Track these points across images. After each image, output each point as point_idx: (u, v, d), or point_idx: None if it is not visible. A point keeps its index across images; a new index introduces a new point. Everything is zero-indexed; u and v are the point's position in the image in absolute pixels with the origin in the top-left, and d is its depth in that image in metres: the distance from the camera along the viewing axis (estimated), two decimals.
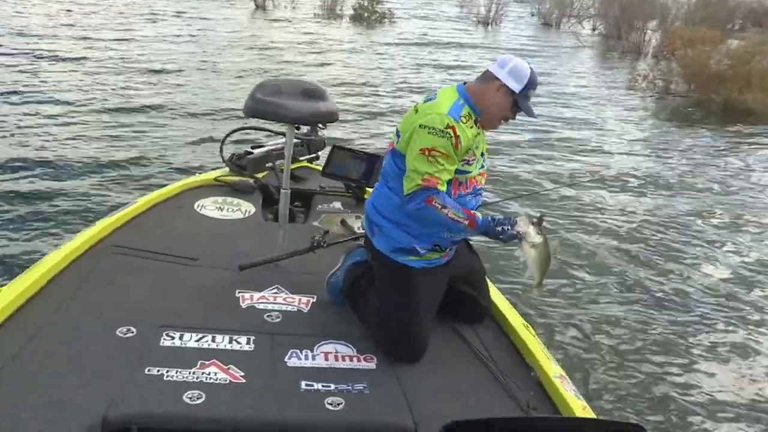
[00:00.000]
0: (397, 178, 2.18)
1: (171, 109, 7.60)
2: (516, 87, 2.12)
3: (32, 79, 8.21)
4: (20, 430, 1.59)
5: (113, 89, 8.01)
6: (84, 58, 9.57)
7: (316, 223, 3.24)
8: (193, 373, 1.89)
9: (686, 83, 11.62)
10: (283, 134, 3.42)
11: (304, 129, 3.98)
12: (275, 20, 17.16)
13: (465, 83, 2.22)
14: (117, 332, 2.05)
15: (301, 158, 3.91)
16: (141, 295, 2.32)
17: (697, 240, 5.22)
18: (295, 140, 3.65)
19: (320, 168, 3.58)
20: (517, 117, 2.22)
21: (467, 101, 2.15)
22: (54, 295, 2.24)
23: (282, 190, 2.72)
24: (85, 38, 11.12)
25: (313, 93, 2.68)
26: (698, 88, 11.26)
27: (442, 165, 2.06)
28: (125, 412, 1.67)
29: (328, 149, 3.61)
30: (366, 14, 19.67)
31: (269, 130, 3.91)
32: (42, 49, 9.80)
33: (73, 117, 6.80)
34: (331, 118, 2.87)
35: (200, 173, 3.84)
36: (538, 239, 2.09)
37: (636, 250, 4.87)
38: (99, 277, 2.41)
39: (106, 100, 7.53)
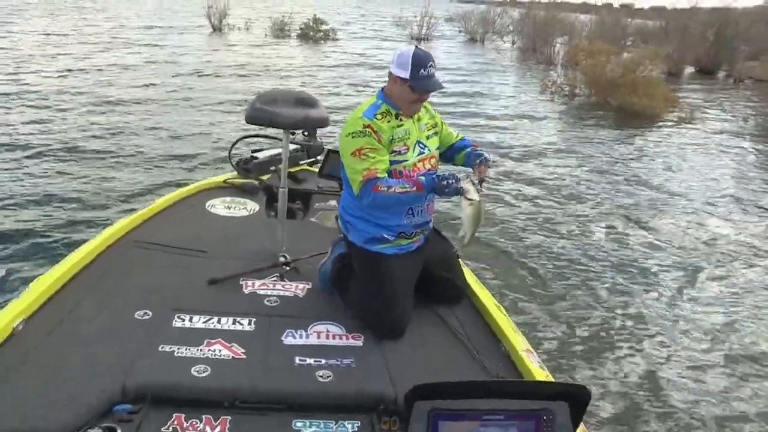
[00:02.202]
0: (348, 183, 2.30)
1: (171, 126, 7.96)
2: (404, 74, 2.18)
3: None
4: (51, 394, 1.68)
5: (110, 118, 8.24)
6: (61, 91, 9.59)
7: (313, 219, 3.38)
8: (201, 350, 1.97)
9: (587, 88, 12.73)
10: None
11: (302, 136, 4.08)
12: (232, 44, 17.51)
13: (384, 87, 2.33)
14: (135, 315, 2.16)
15: (302, 162, 4.01)
16: (157, 283, 2.41)
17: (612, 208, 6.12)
18: (295, 146, 3.93)
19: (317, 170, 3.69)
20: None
21: (385, 101, 2.27)
22: (83, 283, 2.36)
23: (280, 189, 2.79)
24: (53, 71, 11.11)
25: (305, 101, 2.77)
26: (597, 93, 12.32)
27: (374, 157, 2.16)
28: (141, 382, 1.75)
29: None
30: (311, 33, 20.41)
31: (272, 137, 3.94)
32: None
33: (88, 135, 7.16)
34: (321, 123, 2.92)
35: (211, 177, 4.01)
36: (476, 197, 2.15)
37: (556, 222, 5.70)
38: (122, 267, 2.53)
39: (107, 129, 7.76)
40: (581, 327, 3.83)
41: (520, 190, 6.53)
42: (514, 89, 14.18)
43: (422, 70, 2.18)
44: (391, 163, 2.21)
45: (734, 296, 4.45)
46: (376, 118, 2.20)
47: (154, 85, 10.60)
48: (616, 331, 3.82)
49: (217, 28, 20.41)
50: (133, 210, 3.85)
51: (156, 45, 15.76)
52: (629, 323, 3.94)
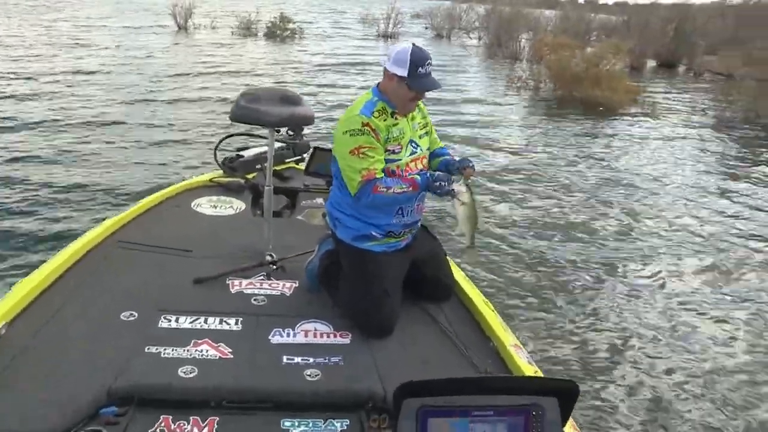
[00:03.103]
0: (340, 178, 2.27)
1: (155, 128, 7.92)
2: (402, 72, 2.15)
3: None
4: (36, 398, 1.67)
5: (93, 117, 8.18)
6: (33, 94, 9.38)
7: (299, 217, 3.36)
8: (187, 350, 1.96)
9: (552, 83, 12.99)
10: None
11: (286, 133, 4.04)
12: (198, 44, 17.22)
13: (379, 83, 2.29)
14: (121, 316, 2.14)
15: (288, 160, 4.00)
16: (142, 284, 2.40)
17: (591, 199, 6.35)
18: (281, 144, 3.91)
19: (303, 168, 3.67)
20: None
21: (381, 98, 2.24)
22: (68, 284, 2.33)
23: (266, 188, 2.77)
24: (18, 76, 10.78)
25: (289, 99, 2.76)
26: (561, 87, 12.57)
27: (373, 156, 2.15)
28: (128, 384, 1.74)
29: None
30: (278, 31, 20.32)
31: (258, 136, 3.90)
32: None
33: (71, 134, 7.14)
34: (306, 121, 2.89)
35: (197, 176, 3.97)
36: (467, 198, 2.19)
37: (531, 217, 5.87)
38: (106, 268, 2.51)
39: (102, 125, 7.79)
40: (572, 324, 3.89)
41: (489, 186, 6.63)
42: (481, 84, 14.38)
43: (420, 69, 2.15)
44: (385, 162, 2.21)
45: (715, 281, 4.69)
46: (374, 116, 2.18)
47: (122, 88, 10.36)
48: (603, 326, 3.90)
49: (182, 27, 20.16)
50: (116, 211, 3.82)
51: (120, 46, 15.44)
52: (611, 315, 4.05)
